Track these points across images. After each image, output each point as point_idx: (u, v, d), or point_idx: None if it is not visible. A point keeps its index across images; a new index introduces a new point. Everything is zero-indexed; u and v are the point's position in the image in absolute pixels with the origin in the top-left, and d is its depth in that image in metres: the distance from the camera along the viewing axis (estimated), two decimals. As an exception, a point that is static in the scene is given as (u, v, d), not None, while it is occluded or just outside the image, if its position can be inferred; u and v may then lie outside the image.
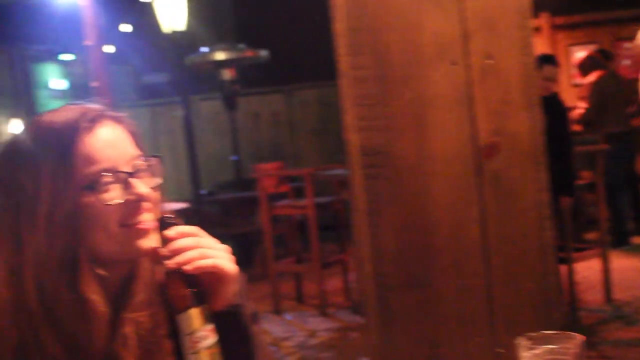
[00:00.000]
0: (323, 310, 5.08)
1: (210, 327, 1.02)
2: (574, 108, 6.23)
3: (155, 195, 1.10)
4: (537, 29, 7.43)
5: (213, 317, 1.03)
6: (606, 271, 4.56)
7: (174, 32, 6.90)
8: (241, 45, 7.30)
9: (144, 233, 1.06)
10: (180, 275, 1.02)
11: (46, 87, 10.56)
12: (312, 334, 4.66)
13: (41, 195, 1.02)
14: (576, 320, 4.08)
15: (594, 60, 6.49)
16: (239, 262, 1.09)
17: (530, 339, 0.99)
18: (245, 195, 7.09)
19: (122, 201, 1.04)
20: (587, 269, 4.77)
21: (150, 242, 1.06)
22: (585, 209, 5.73)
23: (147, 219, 1.06)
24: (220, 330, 1.03)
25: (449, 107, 2.51)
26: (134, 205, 1.05)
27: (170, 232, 1.04)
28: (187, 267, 1.02)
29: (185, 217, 1.11)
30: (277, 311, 5.15)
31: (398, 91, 2.51)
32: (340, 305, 5.25)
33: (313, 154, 8.95)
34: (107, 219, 1.03)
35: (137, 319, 1.08)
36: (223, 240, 1.09)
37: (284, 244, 6.29)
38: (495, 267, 2.58)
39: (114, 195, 1.04)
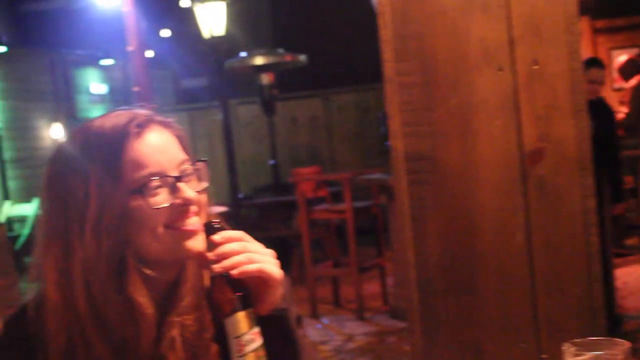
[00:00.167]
0: (360, 314, 5.08)
1: (256, 330, 1.03)
2: (615, 112, 6.16)
3: (202, 199, 1.11)
4: (577, 33, 7.34)
5: (259, 320, 1.04)
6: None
7: (213, 37, 6.96)
8: (280, 50, 7.34)
9: (190, 235, 1.07)
10: (226, 280, 1.03)
11: (86, 91, 10.73)
12: (350, 338, 4.66)
13: (90, 200, 1.03)
14: (617, 327, 4.03)
15: (636, 64, 6.41)
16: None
17: (575, 345, 0.98)
18: (283, 199, 7.13)
19: (169, 205, 1.06)
20: (627, 275, 4.71)
21: (197, 243, 1.07)
22: (625, 214, 5.66)
23: (194, 222, 1.08)
24: (265, 333, 1.04)
25: (495, 113, 2.51)
26: (181, 208, 1.07)
27: (217, 236, 1.05)
28: (234, 272, 1.03)
29: (224, 220, 1.12)
30: (315, 315, 5.16)
31: (443, 97, 2.51)
32: (378, 309, 5.24)
33: (350, 158, 8.96)
34: (155, 222, 1.05)
35: (184, 322, 1.09)
36: (260, 244, 1.10)
37: (321, 248, 6.32)
38: (540, 273, 2.56)
39: (162, 199, 1.06)
